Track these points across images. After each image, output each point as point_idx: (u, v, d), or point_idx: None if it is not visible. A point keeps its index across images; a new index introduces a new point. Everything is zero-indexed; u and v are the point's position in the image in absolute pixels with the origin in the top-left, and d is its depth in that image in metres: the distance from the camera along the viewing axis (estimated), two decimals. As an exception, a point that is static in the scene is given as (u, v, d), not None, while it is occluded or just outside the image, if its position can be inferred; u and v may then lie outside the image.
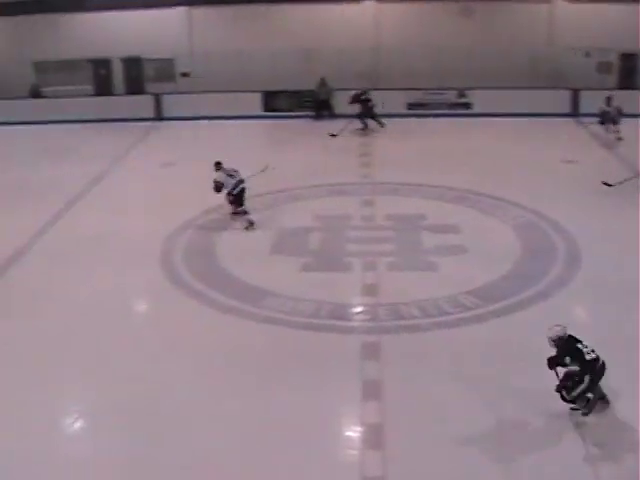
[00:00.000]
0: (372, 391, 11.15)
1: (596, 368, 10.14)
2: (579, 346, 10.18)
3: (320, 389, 11.21)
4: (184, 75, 33.31)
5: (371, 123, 27.73)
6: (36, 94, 33.59)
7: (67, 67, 34.15)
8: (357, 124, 27.61)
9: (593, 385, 10.17)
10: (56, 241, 17.99)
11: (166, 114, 31.71)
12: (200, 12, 32.83)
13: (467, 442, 9.89)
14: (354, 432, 10.43)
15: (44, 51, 33.49)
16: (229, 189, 18.07)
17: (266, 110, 30.68)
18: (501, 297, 14.08)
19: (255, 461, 9.75)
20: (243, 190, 18.20)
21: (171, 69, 33.57)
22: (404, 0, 31.15)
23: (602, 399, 10.41)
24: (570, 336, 10.29)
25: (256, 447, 10.01)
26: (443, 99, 30.15)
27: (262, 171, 18.89)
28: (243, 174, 18.10)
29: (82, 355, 12.59)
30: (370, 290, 14.66)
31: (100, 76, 34.18)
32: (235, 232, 17.96)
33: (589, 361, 10.09)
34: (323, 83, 29.95)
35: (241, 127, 28.17)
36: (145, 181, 21.88)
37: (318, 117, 29.90)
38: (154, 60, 33.68)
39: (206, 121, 28.35)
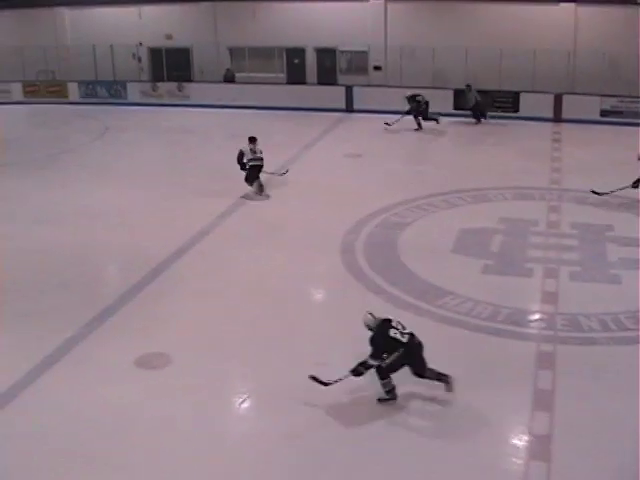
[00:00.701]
0: (543, 401, 10.99)
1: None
2: (392, 334, 10.60)
3: (491, 394, 11.13)
4: (376, 69, 33.65)
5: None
6: (230, 79, 34.66)
7: (261, 54, 35.23)
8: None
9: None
10: (238, 224, 18.67)
11: (357, 106, 32.09)
12: (396, 6, 33.08)
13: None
14: (521, 441, 10.26)
15: (240, 37, 34.62)
16: (245, 160, 19.81)
17: (456, 108, 30.48)
18: (685, 318, 13.55)
19: (416, 457, 9.80)
20: (255, 167, 19.92)
21: (364, 62, 34.00)
22: (606, 3, 30.35)
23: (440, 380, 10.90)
24: (384, 322, 10.77)
25: (420, 443, 10.10)
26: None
27: (281, 174, 20.71)
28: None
29: (254, 336, 12.99)
30: (549, 298, 14.41)
31: (293, 65, 34.97)
32: (417, 228, 18.05)
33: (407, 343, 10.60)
34: (469, 89, 29.50)
35: (432, 124, 28.12)
36: (330, 171, 22.18)
37: (475, 118, 29.66)
38: (348, 52, 34.19)
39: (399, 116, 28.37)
